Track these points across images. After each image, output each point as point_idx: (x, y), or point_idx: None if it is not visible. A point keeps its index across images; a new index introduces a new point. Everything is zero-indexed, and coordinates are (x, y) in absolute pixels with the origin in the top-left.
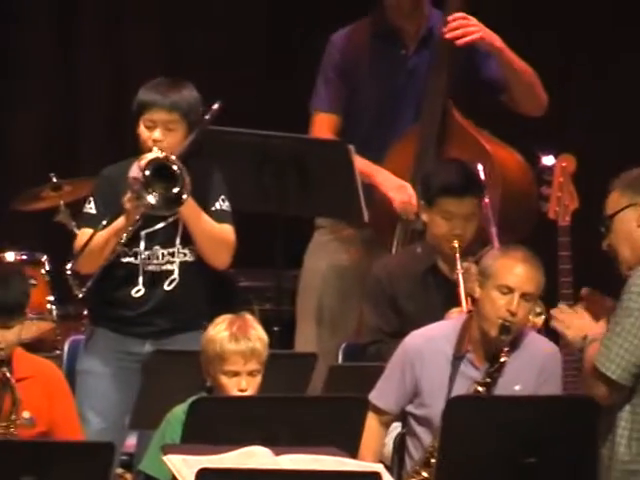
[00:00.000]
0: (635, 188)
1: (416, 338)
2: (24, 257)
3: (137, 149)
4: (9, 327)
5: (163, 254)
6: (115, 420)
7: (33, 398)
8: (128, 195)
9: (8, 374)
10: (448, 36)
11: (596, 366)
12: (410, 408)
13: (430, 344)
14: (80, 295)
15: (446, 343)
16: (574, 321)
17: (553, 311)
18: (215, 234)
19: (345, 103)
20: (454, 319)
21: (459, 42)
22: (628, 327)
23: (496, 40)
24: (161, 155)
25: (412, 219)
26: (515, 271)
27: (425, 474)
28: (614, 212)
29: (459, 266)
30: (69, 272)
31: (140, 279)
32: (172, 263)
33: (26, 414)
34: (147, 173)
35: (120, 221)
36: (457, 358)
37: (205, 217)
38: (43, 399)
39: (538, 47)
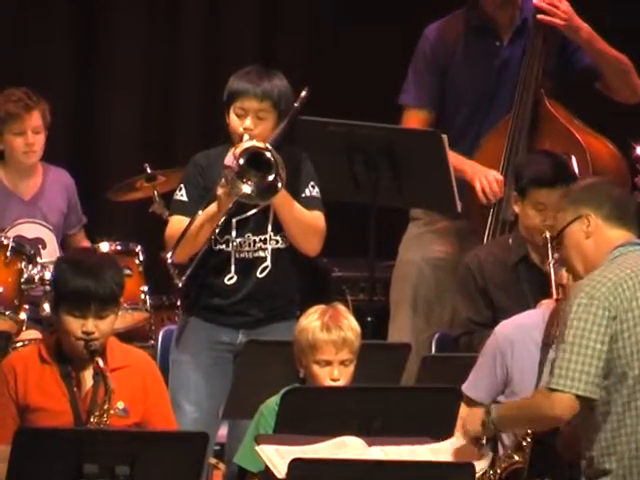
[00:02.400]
0: (579, 201)
1: (506, 327)
2: (118, 247)
3: (230, 139)
4: (103, 317)
5: (255, 241)
6: (208, 410)
7: (127, 388)
8: (222, 183)
9: (102, 364)
10: (536, 2)
11: (557, 389)
12: (501, 398)
13: (520, 332)
14: (180, 284)
15: (535, 330)
16: None
17: None
18: (306, 221)
19: (437, 98)
20: (543, 307)
21: (539, 16)
22: (570, 339)
23: (583, 30)
24: (257, 144)
25: (492, 203)
26: None
27: (518, 457)
28: (562, 227)
29: (551, 257)
30: (169, 260)
31: (232, 267)
32: (264, 250)
33: (120, 404)
34: (241, 162)
35: (213, 208)
36: (546, 344)
37: (296, 204)
38: (137, 390)
39: (631, 35)
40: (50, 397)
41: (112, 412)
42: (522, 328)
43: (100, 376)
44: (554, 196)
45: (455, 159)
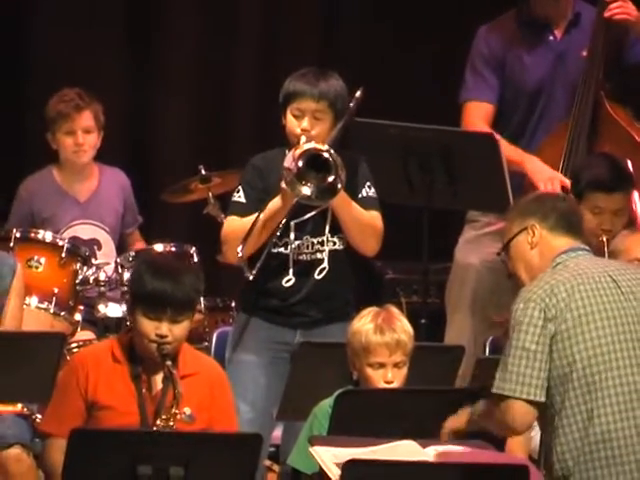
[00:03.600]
0: (524, 214)
1: None
2: (173, 249)
3: (285, 140)
4: (178, 322)
5: (313, 243)
6: (264, 410)
7: (195, 395)
8: (283, 185)
9: (172, 369)
10: (607, 15)
11: (499, 394)
12: None
13: None
14: (251, 277)
15: None
16: None
17: None
18: (364, 221)
19: (496, 93)
20: None
21: (616, 16)
22: (508, 343)
23: None
24: (317, 146)
25: None
26: None
27: None
28: (509, 239)
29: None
30: (239, 254)
31: (291, 269)
32: (322, 252)
33: (187, 410)
34: (300, 164)
35: (277, 203)
36: None
37: (355, 205)
38: (205, 397)
39: None
40: (119, 396)
41: (179, 417)
42: None
43: (170, 380)
44: (612, 201)
45: (511, 150)
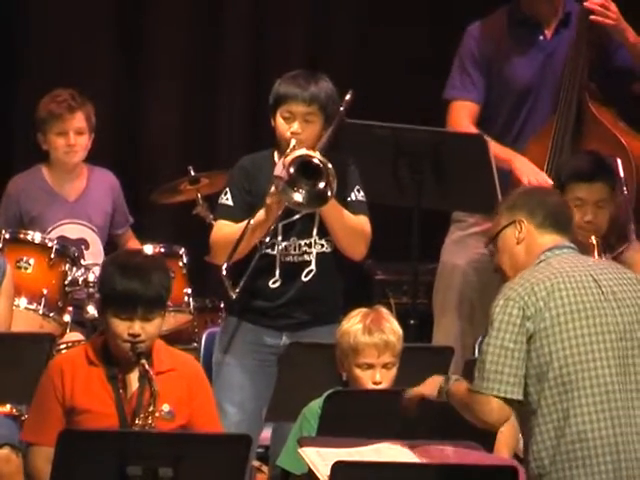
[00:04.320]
0: (513, 208)
1: None
2: (162, 250)
3: (274, 142)
4: (150, 320)
5: (300, 245)
6: (252, 412)
7: (173, 392)
8: (271, 192)
9: (147, 366)
10: (587, 5)
11: (476, 390)
12: None
13: None
14: (234, 296)
15: None
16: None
17: None
18: (352, 226)
19: (482, 92)
20: None
21: (592, 17)
22: (486, 340)
23: (629, 32)
24: (308, 152)
25: None
26: None
27: None
28: (496, 232)
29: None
30: (224, 272)
31: (277, 271)
32: (309, 254)
33: (166, 407)
34: (292, 170)
35: (261, 216)
36: None
37: (344, 211)
38: (183, 393)
39: None
40: (96, 399)
41: (157, 415)
42: None
43: (146, 379)
44: (593, 191)
45: (499, 149)
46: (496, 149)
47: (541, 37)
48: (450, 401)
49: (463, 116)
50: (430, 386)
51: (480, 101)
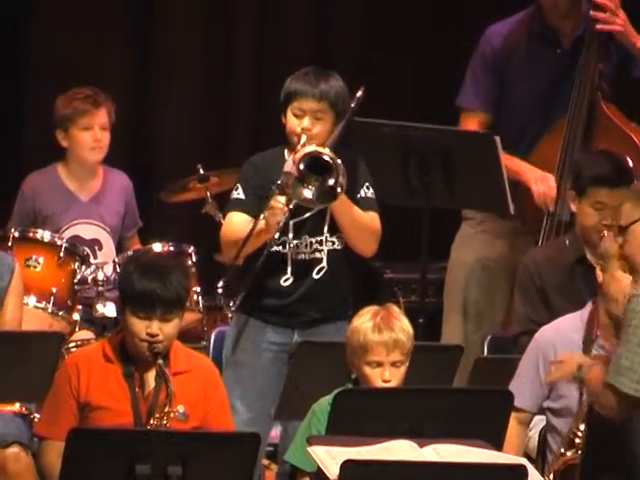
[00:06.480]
0: None
1: (547, 332)
2: (171, 248)
3: (283, 140)
4: (168, 320)
5: (311, 243)
6: (262, 410)
7: (189, 393)
8: (272, 202)
9: (164, 367)
10: (592, 14)
11: (616, 387)
12: (548, 403)
13: (561, 335)
14: (230, 315)
15: (575, 334)
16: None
17: None
18: (363, 222)
19: (494, 101)
20: (579, 311)
21: (597, 26)
22: (630, 338)
23: (638, 40)
24: (318, 149)
25: (551, 210)
26: None
27: (570, 454)
28: (628, 224)
29: None
30: (220, 289)
31: (289, 268)
32: (320, 252)
33: (180, 408)
34: (302, 167)
35: (262, 225)
36: (588, 343)
37: (354, 207)
38: (199, 395)
39: None
40: (112, 396)
41: (172, 415)
42: (562, 331)
43: (162, 378)
44: (614, 196)
45: (511, 161)
46: (505, 160)
47: (559, 50)
48: (583, 383)
49: (474, 127)
50: (565, 372)
51: (491, 111)
